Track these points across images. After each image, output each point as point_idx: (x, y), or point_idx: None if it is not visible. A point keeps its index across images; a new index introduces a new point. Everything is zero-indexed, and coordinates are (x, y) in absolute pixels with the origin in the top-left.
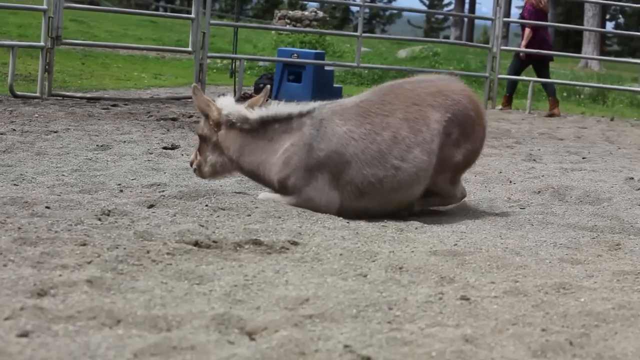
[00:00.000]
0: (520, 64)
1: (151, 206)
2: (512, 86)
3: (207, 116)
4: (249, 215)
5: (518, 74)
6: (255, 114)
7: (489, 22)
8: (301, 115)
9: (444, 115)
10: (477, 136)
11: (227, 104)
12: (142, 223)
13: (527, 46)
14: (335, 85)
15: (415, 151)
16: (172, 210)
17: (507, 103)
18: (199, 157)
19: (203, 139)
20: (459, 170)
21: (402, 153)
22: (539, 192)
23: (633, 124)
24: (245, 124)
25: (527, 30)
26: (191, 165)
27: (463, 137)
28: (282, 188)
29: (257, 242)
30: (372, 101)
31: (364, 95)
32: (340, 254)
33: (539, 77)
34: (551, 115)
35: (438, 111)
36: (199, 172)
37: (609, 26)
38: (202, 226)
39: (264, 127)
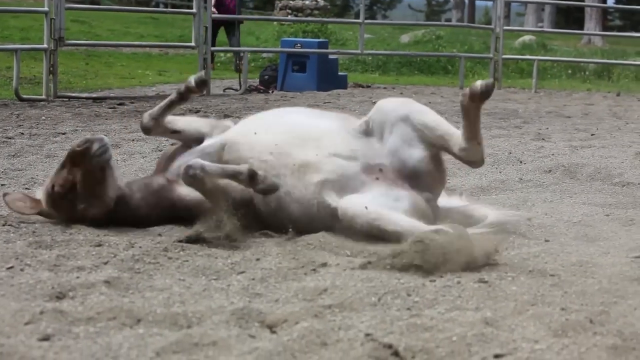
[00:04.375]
0: (213, 26)
1: None
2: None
3: None
4: None
5: (217, 35)
6: None
7: (489, 3)
8: None
9: None
10: None
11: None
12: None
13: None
14: (340, 73)
15: None
16: None
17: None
18: None
19: None
20: None
21: None
22: (550, 171)
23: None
24: None
25: None
26: None
27: None
28: None
29: (267, 234)
30: None
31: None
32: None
33: (228, 36)
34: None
35: None
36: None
37: (610, 1)
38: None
39: None
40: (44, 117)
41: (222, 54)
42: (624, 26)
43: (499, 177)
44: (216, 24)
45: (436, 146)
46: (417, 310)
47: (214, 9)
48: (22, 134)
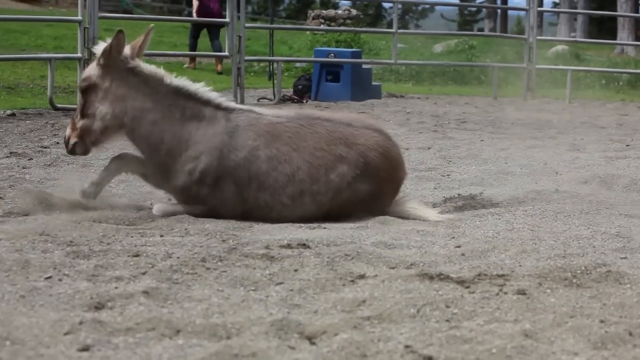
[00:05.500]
0: (195, 28)
1: None
2: (194, 47)
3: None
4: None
5: (197, 37)
6: (171, 80)
7: (522, 12)
8: (218, 107)
9: (352, 170)
10: (383, 193)
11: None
12: (193, 231)
13: (197, 14)
14: (373, 83)
15: (305, 198)
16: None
17: (193, 61)
18: (79, 125)
19: (88, 91)
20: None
21: (294, 194)
22: (586, 182)
23: None
24: (156, 84)
25: (195, 2)
26: (67, 142)
27: (368, 195)
28: (183, 195)
29: (304, 245)
30: (288, 126)
31: (285, 115)
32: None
33: (210, 38)
34: (219, 73)
35: (346, 164)
36: (80, 144)
37: None
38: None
39: (174, 99)
40: None
41: (255, 64)
42: None
43: (534, 187)
44: (198, 27)
45: None
46: (456, 322)
47: (194, 13)
48: (58, 143)
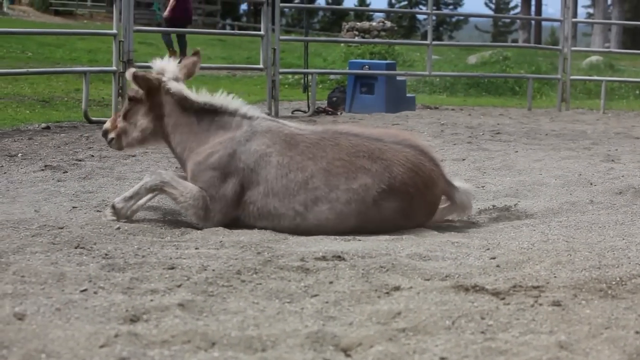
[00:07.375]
0: (171, 26)
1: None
2: (170, 42)
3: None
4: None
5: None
6: (200, 99)
7: (555, 23)
8: (244, 117)
9: (376, 184)
10: (415, 211)
11: (169, 68)
12: (228, 243)
13: (171, 13)
14: (408, 94)
15: (322, 206)
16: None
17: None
18: (120, 125)
19: (135, 102)
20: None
21: (306, 202)
22: (621, 192)
23: None
24: (186, 103)
25: (172, 0)
26: (106, 134)
27: (395, 212)
28: (192, 177)
29: (339, 257)
30: (308, 137)
31: (309, 129)
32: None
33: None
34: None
35: (369, 177)
36: (117, 141)
37: None
38: (286, 245)
39: (204, 114)
40: None
41: (289, 76)
42: None
43: (569, 199)
44: (176, 25)
45: None
46: (491, 334)
47: (166, 14)
48: (92, 156)
